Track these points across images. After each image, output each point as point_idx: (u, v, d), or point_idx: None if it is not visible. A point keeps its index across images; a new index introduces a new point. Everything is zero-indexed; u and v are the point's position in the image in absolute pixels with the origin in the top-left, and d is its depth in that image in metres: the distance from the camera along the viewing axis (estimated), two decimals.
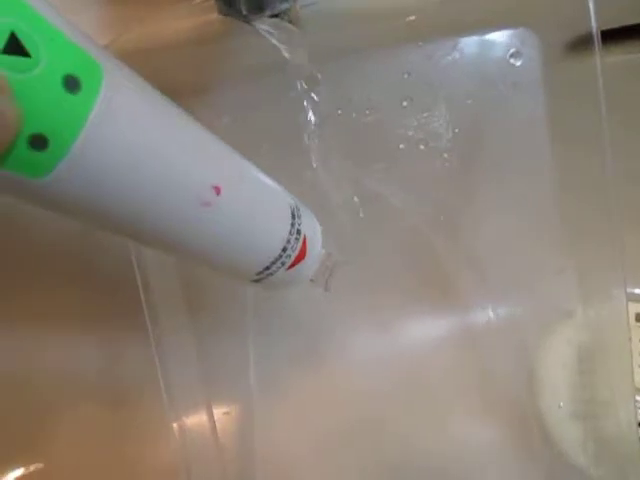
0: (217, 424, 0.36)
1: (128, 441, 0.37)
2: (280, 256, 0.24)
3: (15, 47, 0.14)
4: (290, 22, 0.23)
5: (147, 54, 0.20)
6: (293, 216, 0.25)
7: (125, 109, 0.17)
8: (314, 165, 0.29)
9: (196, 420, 0.35)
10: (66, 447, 0.37)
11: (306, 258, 0.26)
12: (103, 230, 0.20)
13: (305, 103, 0.26)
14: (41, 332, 0.35)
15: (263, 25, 0.22)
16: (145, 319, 0.32)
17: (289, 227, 0.24)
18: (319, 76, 0.25)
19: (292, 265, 0.25)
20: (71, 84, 0.16)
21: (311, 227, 0.26)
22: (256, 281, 0.25)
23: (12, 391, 0.36)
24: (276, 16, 0.23)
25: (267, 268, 0.24)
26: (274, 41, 0.23)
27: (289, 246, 0.24)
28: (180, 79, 0.21)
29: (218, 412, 0.37)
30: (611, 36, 0.33)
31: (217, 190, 0.20)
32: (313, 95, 0.26)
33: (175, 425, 0.34)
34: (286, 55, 0.23)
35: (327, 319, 0.39)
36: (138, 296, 0.32)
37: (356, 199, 0.34)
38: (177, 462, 0.35)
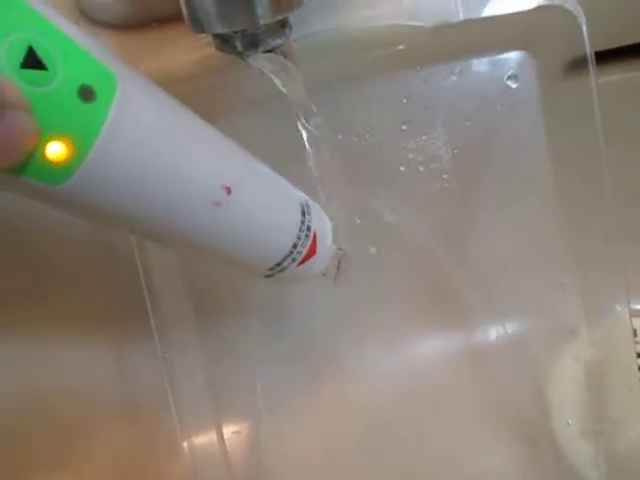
0: (227, 443, 0.36)
1: (141, 459, 0.38)
2: (291, 252, 0.25)
3: (33, 61, 0.15)
4: (285, 56, 0.24)
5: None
6: (303, 213, 0.25)
7: (139, 116, 0.18)
8: (317, 189, 0.30)
9: (206, 439, 0.36)
10: (80, 467, 0.37)
11: (317, 253, 0.26)
12: (118, 230, 0.21)
13: (303, 131, 0.27)
14: (47, 344, 0.36)
15: (257, 61, 0.23)
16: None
17: (299, 224, 0.25)
18: (313, 106, 0.26)
19: (303, 261, 0.26)
20: (86, 94, 0.16)
21: (321, 223, 0.27)
22: (268, 276, 0.26)
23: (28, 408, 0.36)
24: (270, 51, 0.24)
25: (278, 264, 0.25)
26: (269, 74, 0.23)
27: (299, 242, 0.25)
28: None
29: (228, 431, 0.37)
30: (608, 56, 0.33)
31: (228, 190, 0.21)
32: (309, 123, 0.27)
33: (185, 444, 0.34)
34: (282, 88, 0.24)
35: (335, 336, 0.39)
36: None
37: (358, 221, 0.35)
38: None
